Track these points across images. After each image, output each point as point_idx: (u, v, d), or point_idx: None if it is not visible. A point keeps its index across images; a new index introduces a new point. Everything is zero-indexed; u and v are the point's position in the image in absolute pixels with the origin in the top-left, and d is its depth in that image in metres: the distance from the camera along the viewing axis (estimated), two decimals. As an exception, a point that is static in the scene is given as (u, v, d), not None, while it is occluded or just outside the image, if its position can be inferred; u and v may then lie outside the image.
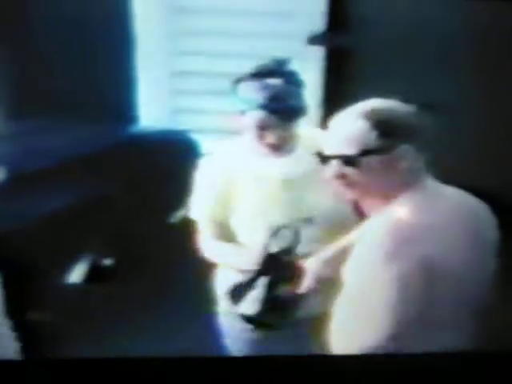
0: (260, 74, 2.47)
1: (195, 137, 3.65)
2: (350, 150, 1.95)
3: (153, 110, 3.91)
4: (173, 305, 2.87)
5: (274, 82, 2.46)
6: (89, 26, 3.58)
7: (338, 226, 2.50)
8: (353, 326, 1.88)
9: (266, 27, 3.74)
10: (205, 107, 3.79)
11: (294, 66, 2.53)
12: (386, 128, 1.92)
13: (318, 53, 3.72)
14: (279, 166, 2.56)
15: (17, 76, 3.51)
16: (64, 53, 3.57)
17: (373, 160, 1.93)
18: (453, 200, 1.98)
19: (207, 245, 2.61)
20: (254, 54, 3.68)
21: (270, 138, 2.48)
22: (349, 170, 1.96)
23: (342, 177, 1.98)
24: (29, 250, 2.87)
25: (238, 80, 2.48)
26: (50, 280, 2.93)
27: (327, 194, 2.52)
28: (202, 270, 2.65)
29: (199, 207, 2.61)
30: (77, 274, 3.03)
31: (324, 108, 3.68)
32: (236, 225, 2.59)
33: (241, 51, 3.72)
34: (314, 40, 3.67)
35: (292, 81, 2.48)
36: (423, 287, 1.82)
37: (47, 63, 3.56)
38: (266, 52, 3.69)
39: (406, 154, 1.92)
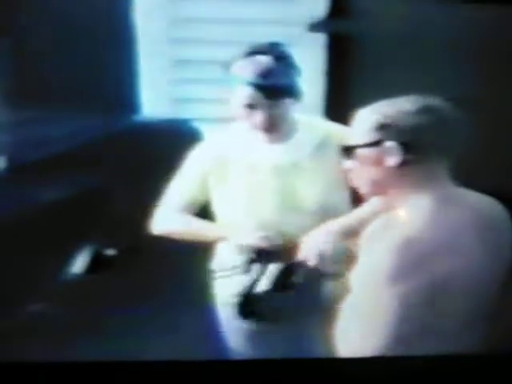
0: (252, 53, 2.46)
1: (197, 126, 3.64)
2: (351, 142, 1.96)
3: (154, 98, 3.89)
4: (171, 296, 2.86)
5: (264, 58, 2.45)
6: (89, 15, 3.56)
7: (329, 216, 2.49)
8: (355, 331, 1.85)
9: (268, 14, 3.72)
10: (206, 96, 3.76)
11: (293, 51, 2.52)
12: (380, 123, 1.90)
13: (319, 40, 3.70)
14: (270, 153, 2.54)
15: (17, 65, 3.50)
16: (65, 42, 3.55)
17: (364, 153, 1.92)
18: (471, 207, 1.92)
19: (176, 217, 2.61)
20: (255, 41, 3.66)
21: (258, 116, 2.46)
22: (351, 163, 1.97)
23: (348, 170, 1.98)
24: (29, 240, 2.86)
25: (232, 60, 2.47)
26: (51, 271, 2.92)
27: (319, 183, 2.52)
28: (202, 259, 2.64)
29: (181, 186, 2.61)
30: (79, 265, 3.01)
31: (326, 95, 3.66)
32: (218, 211, 2.59)
33: (242, 38, 3.69)
34: (315, 27, 3.64)
35: (283, 60, 2.47)
36: (430, 303, 1.80)
37: (47, 52, 3.55)
38: (268, 39, 3.69)
39: (391, 152, 1.89)
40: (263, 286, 2.38)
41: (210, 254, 2.67)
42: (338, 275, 2.37)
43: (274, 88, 2.44)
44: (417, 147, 1.88)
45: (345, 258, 2.36)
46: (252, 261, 2.43)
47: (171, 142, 3.49)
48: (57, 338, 2.55)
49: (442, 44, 3.47)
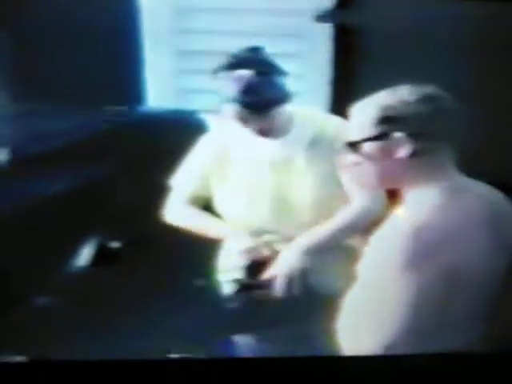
0: (231, 66, 2.42)
1: (202, 116, 3.62)
2: (355, 137, 1.93)
3: (159, 89, 3.87)
4: (178, 289, 2.86)
5: (245, 73, 2.41)
6: (94, 7, 3.54)
7: (325, 211, 2.48)
8: (361, 325, 1.85)
9: (274, 4, 3.69)
10: (212, 86, 3.74)
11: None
12: (383, 115, 1.89)
13: (325, 30, 3.67)
14: (268, 149, 2.53)
15: (20, 57, 3.48)
16: (68, 33, 3.53)
17: (371, 147, 1.91)
18: (479, 197, 1.92)
19: (183, 211, 2.61)
20: (261, 31, 3.64)
21: (251, 126, 2.46)
22: (356, 158, 1.94)
23: (351, 165, 1.96)
24: (33, 233, 2.85)
25: (215, 71, 2.44)
26: (56, 264, 2.91)
27: (316, 177, 2.51)
28: (207, 252, 2.65)
29: (184, 178, 2.62)
30: (83, 258, 3.00)
31: (333, 87, 3.64)
32: (219, 205, 2.59)
33: (248, 29, 3.67)
34: (322, 17, 3.61)
35: (264, 71, 2.43)
36: (441, 294, 1.79)
37: (51, 44, 3.53)
38: (274, 30, 3.66)
39: (400, 143, 1.88)
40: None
41: (218, 246, 2.68)
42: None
43: (259, 103, 2.43)
44: (425, 137, 1.87)
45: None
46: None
47: (177, 132, 3.47)
48: (61, 332, 2.54)
49: (449, 36, 3.44)
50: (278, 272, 2.45)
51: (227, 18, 3.71)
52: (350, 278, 1.92)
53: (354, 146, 1.93)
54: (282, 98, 2.46)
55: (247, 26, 3.66)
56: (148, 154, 3.36)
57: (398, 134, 1.88)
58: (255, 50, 2.47)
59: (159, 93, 3.86)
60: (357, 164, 1.95)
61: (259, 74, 2.42)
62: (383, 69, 3.40)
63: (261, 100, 2.42)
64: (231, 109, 2.44)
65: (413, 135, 1.87)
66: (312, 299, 2.46)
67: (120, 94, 3.70)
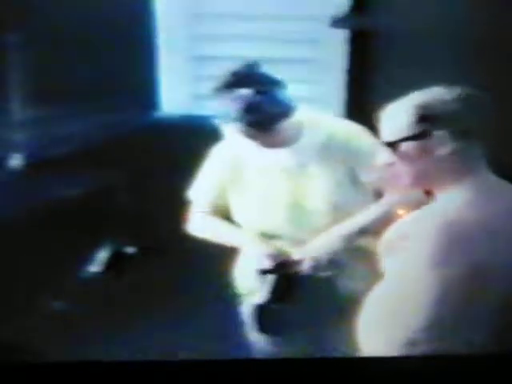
0: (229, 85, 2.39)
1: (217, 123, 3.62)
2: (392, 137, 1.93)
3: (175, 95, 3.88)
4: (194, 294, 2.87)
5: (244, 92, 2.38)
6: (108, 12, 3.55)
7: (341, 215, 2.48)
8: (384, 322, 1.85)
9: (289, 10, 3.69)
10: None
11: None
12: (422, 114, 1.89)
13: (340, 36, 3.67)
14: (280, 156, 2.52)
15: (36, 62, 3.50)
16: (84, 39, 3.55)
17: (410, 146, 1.91)
18: (509, 192, 1.93)
19: (203, 222, 2.62)
20: (276, 37, 3.64)
21: (259, 141, 2.45)
22: (389, 159, 1.94)
23: (388, 165, 1.96)
24: (47, 237, 2.86)
25: (215, 90, 2.42)
26: (70, 268, 2.92)
27: (328, 182, 2.50)
28: (224, 259, 2.64)
29: (201, 190, 2.62)
30: (98, 262, 3.01)
31: (347, 92, 3.64)
32: (235, 213, 2.59)
33: (263, 35, 3.68)
34: (337, 23, 3.61)
35: (263, 88, 2.39)
36: (467, 291, 1.80)
37: (66, 49, 3.54)
38: (289, 35, 3.66)
39: (442, 141, 1.88)
40: (260, 298, 2.42)
41: (234, 253, 2.68)
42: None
43: (262, 121, 2.40)
44: (463, 135, 1.88)
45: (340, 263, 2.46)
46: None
47: (191, 138, 3.49)
48: (76, 337, 2.55)
49: (466, 40, 3.43)
50: (307, 255, 2.45)
51: (242, 24, 3.71)
52: (366, 279, 1.92)
53: (391, 146, 1.93)
54: (284, 112, 2.43)
55: (262, 32, 3.66)
56: (163, 159, 3.37)
57: (438, 133, 1.88)
58: (252, 67, 2.45)
59: (174, 98, 3.86)
60: (390, 165, 1.95)
61: (258, 92, 2.40)
62: (398, 73, 3.40)
63: (263, 118, 2.39)
64: (234, 128, 2.43)
65: (453, 133, 1.88)
66: (330, 300, 2.46)
67: (134, 100, 3.71)
